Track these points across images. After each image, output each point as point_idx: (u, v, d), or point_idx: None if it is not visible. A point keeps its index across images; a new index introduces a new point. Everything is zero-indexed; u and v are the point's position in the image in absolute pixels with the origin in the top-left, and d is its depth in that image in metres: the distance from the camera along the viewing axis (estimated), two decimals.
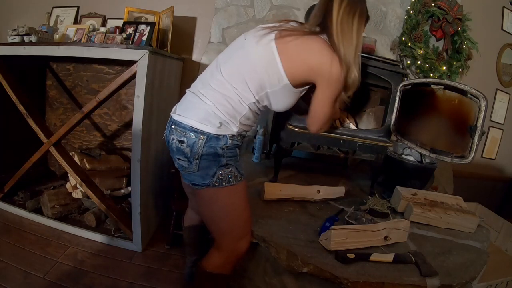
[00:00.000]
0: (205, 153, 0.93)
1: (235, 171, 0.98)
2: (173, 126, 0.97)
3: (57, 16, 2.16)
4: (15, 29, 1.73)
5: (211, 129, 0.92)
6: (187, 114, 0.96)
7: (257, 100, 0.98)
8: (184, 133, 0.94)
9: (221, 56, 1.02)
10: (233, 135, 0.97)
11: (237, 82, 0.95)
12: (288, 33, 0.95)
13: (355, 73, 0.98)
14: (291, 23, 1.00)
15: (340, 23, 0.94)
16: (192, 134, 0.93)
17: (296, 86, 0.98)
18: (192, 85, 1.04)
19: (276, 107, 1.04)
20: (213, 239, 1.08)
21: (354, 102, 1.80)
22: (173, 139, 0.97)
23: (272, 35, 0.95)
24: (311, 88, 1.03)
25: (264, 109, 1.06)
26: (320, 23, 0.98)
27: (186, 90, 1.04)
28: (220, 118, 0.94)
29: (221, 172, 0.95)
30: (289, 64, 0.94)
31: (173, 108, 1.02)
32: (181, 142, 0.94)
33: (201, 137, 0.92)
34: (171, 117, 1.00)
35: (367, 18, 1.03)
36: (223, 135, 0.94)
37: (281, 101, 1.02)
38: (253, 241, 1.07)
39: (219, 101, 0.94)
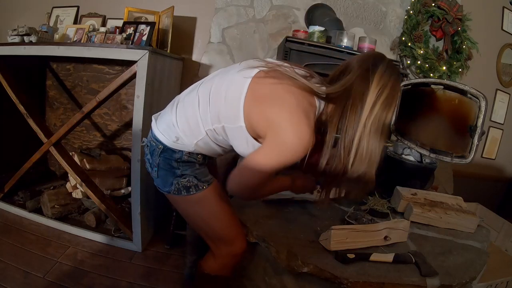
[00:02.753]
0: (161, 162, 0.94)
1: (193, 180, 0.94)
2: (150, 130, 1.00)
3: (57, 16, 2.16)
4: (15, 29, 1.73)
5: (167, 141, 0.92)
6: (158, 121, 0.98)
7: (214, 129, 0.87)
8: (150, 140, 0.97)
9: (218, 71, 0.97)
10: (190, 152, 0.93)
11: (204, 105, 0.87)
12: (276, 74, 0.79)
13: (371, 173, 0.82)
14: (297, 70, 0.84)
15: (374, 116, 0.77)
16: (154, 142, 0.95)
17: (253, 135, 0.82)
18: (183, 92, 1.01)
19: (235, 148, 0.90)
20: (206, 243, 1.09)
21: None
22: (143, 141, 1.00)
23: (255, 71, 0.82)
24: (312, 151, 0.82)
25: (227, 145, 0.93)
26: (335, 95, 0.80)
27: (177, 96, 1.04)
28: (177, 133, 0.91)
29: (178, 181, 0.94)
30: (251, 104, 0.78)
31: (159, 112, 1.03)
32: (147, 147, 0.98)
33: (159, 146, 0.93)
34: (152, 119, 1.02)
35: None
36: (179, 150, 0.92)
37: (238, 144, 0.87)
38: (253, 241, 1.07)
39: (180, 117, 0.92)
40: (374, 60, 0.80)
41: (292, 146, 0.75)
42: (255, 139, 0.83)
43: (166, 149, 0.93)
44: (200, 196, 0.95)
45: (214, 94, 0.85)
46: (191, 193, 0.94)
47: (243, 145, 0.85)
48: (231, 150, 0.95)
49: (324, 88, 0.81)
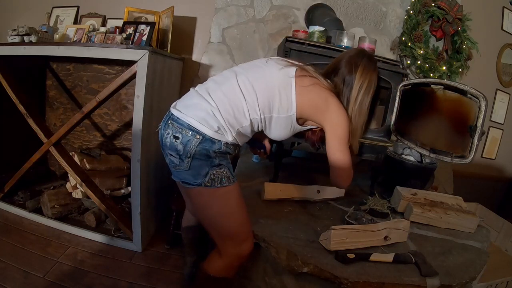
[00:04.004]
0: (198, 153, 0.92)
1: (227, 172, 0.97)
2: (170, 122, 0.96)
3: (57, 16, 2.16)
4: (15, 29, 1.73)
5: (208, 131, 0.92)
6: (187, 111, 0.94)
7: (261, 119, 0.99)
8: (181, 130, 0.93)
9: (240, 66, 1.06)
10: (227, 143, 0.96)
11: (250, 94, 0.96)
12: (308, 74, 1.01)
13: (355, 144, 1.06)
14: (309, 67, 1.05)
15: (359, 101, 1.02)
16: (189, 132, 0.92)
17: (298, 120, 1.02)
18: (200, 85, 1.03)
19: (271, 134, 1.07)
20: (213, 241, 1.07)
21: None
22: (168, 133, 0.96)
23: (293, 70, 0.99)
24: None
25: (256, 132, 1.07)
26: (336, 86, 1.05)
27: (192, 88, 1.03)
28: (219, 122, 0.93)
29: (214, 172, 0.94)
30: (301, 97, 0.97)
31: (174, 103, 1.01)
32: (176, 138, 0.93)
33: (197, 136, 0.92)
34: (170, 111, 0.99)
35: None
36: (218, 140, 0.94)
37: (279, 131, 1.04)
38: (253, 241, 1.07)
39: (224, 105, 0.94)
40: (356, 59, 1.04)
41: (344, 119, 0.99)
42: (297, 122, 1.03)
43: (206, 140, 0.92)
44: (230, 189, 0.98)
45: (262, 92, 0.97)
46: (224, 184, 0.96)
47: (286, 130, 1.04)
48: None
49: (328, 83, 1.04)
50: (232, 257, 1.02)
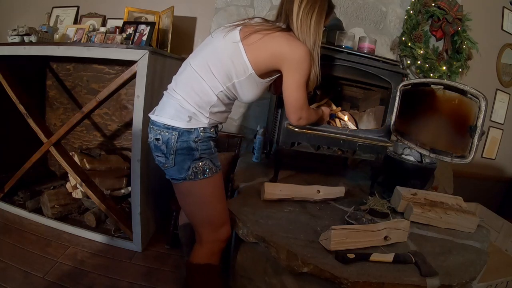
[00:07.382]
0: (179, 147, 0.99)
1: (209, 163, 1.02)
2: (151, 126, 1.05)
3: (57, 16, 2.16)
4: (15, 29, 1.73)
5: (181, 124, 0.98)
6: (161, 113, 1.03)
7: (225, 89, 1.02)
8: (159, 131, 1.01)
9: (191, 55, 1.10)
10: (204, 128, 1.01)
11: (205, 73, 1.00)
12: (254, 29, 1.01)
13: (313, 70, 1.05)
14: (255, 19, 1.07)
15: (300, 22, 1.02)
16: (166, 131, 0.99)
17: (261, 76, 1.03)
18: (168, 86, 1.10)
19: (244, 98, 1.09)
20: (194, 229, 1.13)
21: (354, 101, 1.80)
22: (150, 137, 1.05)
23: (237, 31, 1.01)
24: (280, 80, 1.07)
25: (234, 100, 1.11)
26: (285, 22, 1.06)
27: (163, 92, 1.10)
28: (189, 111, 0.99)
29: (195, 165, 1.00)
30: (253, 53, 0.99)
31: (153, 110, 1.08)
32: (157, 139, 1.01)
33: (174, 133, 0.98)
34: (149, 118, 1.07)
35: (329, 11, 1.09)
36: (194, 128, 0.99)
37: (248, 92, 1.06)
38: (253, 241, 1.07)
39: (188, 93, 1.00)
40: None
41: (301, 58, 0.99)
42: (260, 78, 1.04)
43: (182, 133, 0.98)
44: (211, 179, 1.03)
45: (215, 64, 0.99)
46: (206, 176, 1.01)
47: (253, 89, 1.06)
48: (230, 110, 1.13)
49: (282, 24, 1.06)
50: (212, 242, 1.09)
